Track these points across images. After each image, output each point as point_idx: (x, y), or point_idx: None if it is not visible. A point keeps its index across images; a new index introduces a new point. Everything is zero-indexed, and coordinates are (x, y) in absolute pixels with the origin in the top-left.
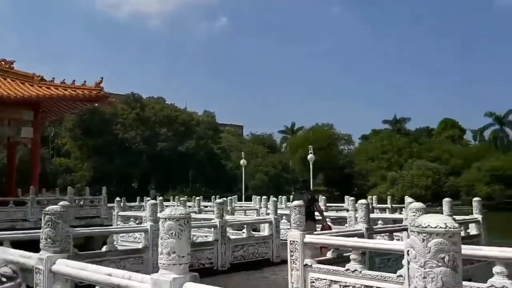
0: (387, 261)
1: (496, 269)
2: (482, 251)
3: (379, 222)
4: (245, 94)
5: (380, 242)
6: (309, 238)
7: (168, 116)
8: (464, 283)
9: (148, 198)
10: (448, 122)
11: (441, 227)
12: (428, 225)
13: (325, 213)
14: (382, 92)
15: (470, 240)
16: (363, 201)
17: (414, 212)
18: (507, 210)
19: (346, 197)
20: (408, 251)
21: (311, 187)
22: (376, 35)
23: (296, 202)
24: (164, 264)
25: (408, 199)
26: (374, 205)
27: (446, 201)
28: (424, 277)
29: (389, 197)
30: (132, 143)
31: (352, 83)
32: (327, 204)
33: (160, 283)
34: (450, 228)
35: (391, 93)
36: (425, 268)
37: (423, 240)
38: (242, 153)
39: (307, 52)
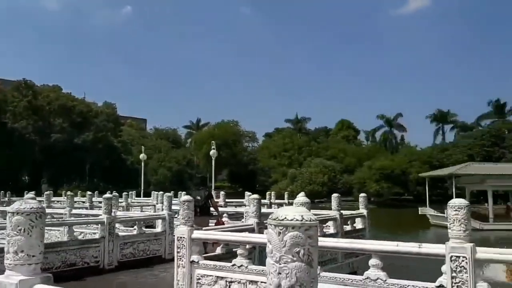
0: None
1: (372, 261)
2: (359, 245)
3: None
4: (150, 87)
5: (265, 237)
6: (196, 234)
7: (63, 106)
8: (348, 276)
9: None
10: (344, 123)
11: (297, 220)
12: (285, 218)
13: (223, 209)
14: (287, 91)
15: (356, 233)
16: (254, 196)
17: (298, 206)
18: (394, 206)
19: (246, 193)
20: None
21: (213, 183)
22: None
23: (184, 197)
24: (10, 264)
25: (300, 196)
26: (272, 200)
27: (334, 196)
28: (279, 273)
29: (286, 192)
30: (23, 134)
31: (258, 81)
32: (227, 200)
33: (4, 285)
34: (306, 221)
35: (296, 92)
36: (280, 264)
37: (279, 233)
38: (142, 146)
39: (215, 47)
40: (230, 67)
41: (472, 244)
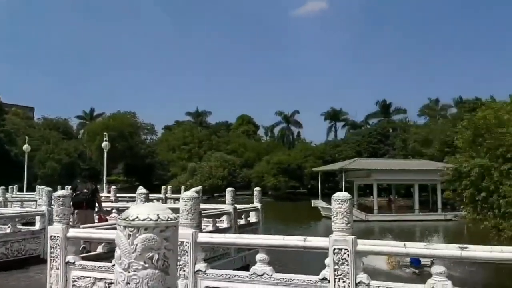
0: None
1: (259, 256)
2: (247, 240)
3: None
4: (39, 73)
5: None
6: (73, 232)
7: None
8: (234, 272)
9: None
10: (244, 118)
11: (151, 220)
12: (137, 217)
13: (113, 204)
14: (189, 84)
15: (250, 227)
16: (142, 190)
17: (185, 201)
18: (290, 199)
19: (139, 187)
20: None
21: (105, 176)
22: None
23: (60, 192)
24: None
25: (192, 190)
26: (168, 195)
27: (229, 190)
28: (127, 283)
29: (183, 187)
30: None
31: (159, 72)
32: (119, 195)
33: None
34: (162, 220)
35: (197, 86)
36: (129, 272)
37: (129, 236)
38: (26, 137)
39: (114, 33)
40: (128, 55)
41: (354, 236)
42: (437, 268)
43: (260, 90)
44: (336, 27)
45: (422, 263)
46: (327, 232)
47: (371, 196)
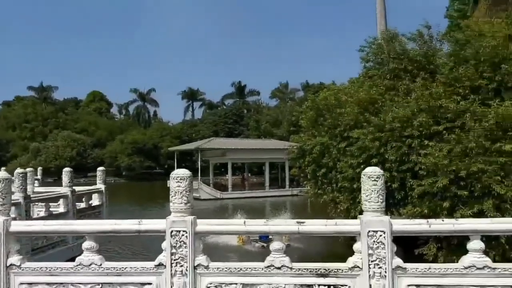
0: None
1: (86, 244)
2: (71, 226)
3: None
4: None
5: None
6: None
7: None
8: (55, 264)
9: None
10: (96, 94)
11: None
12: None
13: None
14: (30, 56)
15: (91, 211)
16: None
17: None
18: (146, 179)
19: None
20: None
21: None
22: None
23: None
24: None
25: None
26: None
27: (65, 171)
28: None
29: (39, 168)
30: None
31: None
32: None
33: None
34: None
35: (41, 58)
36: None
37: None
38: None
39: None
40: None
41: (193, 217)
42: (275, 245)
43: (113, 66)
44: (194, 8)
45: (270, 237)
46: None
47: (226, 175)
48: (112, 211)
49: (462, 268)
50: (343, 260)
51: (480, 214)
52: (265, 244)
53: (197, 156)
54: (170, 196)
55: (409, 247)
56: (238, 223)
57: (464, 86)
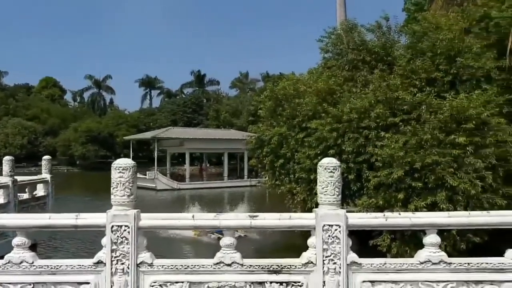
0: None
1: (16, 240)
2: None
3: None
4: None
5: None
6: None
7: None
8: None
9: None
10: (49, 80)
11: None
12: None
13: None
14: None
15: (35, 202)
16: None
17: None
18: (101, 169)
19: None
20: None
21: None
22: None
23: None
24: None
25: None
26: None
27: (6, 160)
28: None
29: None
30: None
31: None
32: None
33: None
34: None
35: None
36: None
37: None
38: None
39: None
40: None
41: (136, 210)
42: (226, 240)
43: (67, 51)
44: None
45: None
46: (139, 202)
47: (184, 165)
48: (61, 203)
49: (418, 263)
50: (300, 252)
51: (434, 205)
52: (221, 236)
53: (154, 146)
54: (112, 187)
55: (363, 238)
56: (186, 217)
57: (420, 78)
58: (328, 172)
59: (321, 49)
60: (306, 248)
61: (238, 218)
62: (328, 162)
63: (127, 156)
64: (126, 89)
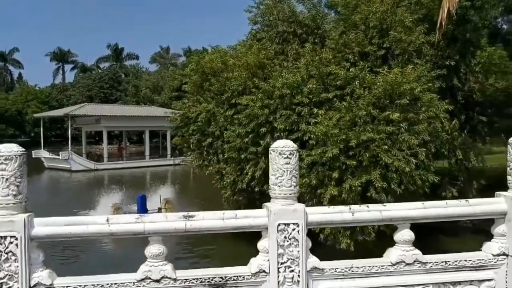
0: None
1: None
2: None
3: None
4: None
5: None
6: None
7: None
8: None
9: None
10: None
11: None
12: None
13: None
14: None
15: None
16: None
17: None
18: None
19: None
20: None
21: None
22: None
23: None
24: None
25: None
26: None
27: None
28: None
29: None
30: None
31: None
32: None
33: None
34: None
35: None
36: None
37: None
38: None
39: None
40: None
41: (27, 214)
42: (152, 249)
43: None
44: None
45: (149, 211)
46: (51, 186)
47: (102, 144)
48: None
49: (389, 265)
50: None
51: (368, 183)
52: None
53: (68, 124)
54: None
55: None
56: (97, 222)
57: (353, 52)
58: (283, 158)
59: (249, 20)
60: None
61: (168, 219)
62: (284, 146)
63: (38, 135)
64: (36, 63)
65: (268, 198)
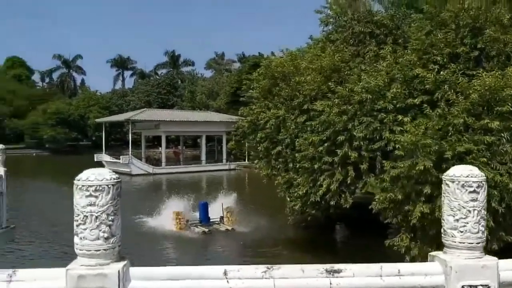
0: None
1: None
2: None
3: None
4: None
5: None
6: None
7: None
8: None
9: None
10: (15, 60)
11: None
12: None
13: None
14: None
15: None
16: None
17: None
18: (72, 152)
19: None
20: None
21: None
22: None
23: None
24: None
25: None
26: None
27: None
28: None
29: None
30: None
31: None
32: None
33: None
34: None
35: None
36: None
37: None
38: None
39: None
40: None
41: (123, 264)
42: None
43: (37, 31)
44: None
45: (211, 220)
46: None
47: (160, 148)
48: (21, 191)
49: None
50: (294, 248)
51: None
52: (206, 229)
53: (128, 128)
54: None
55: (376, 234)
56: (212, 275)
57: (442, 54)
58: (468, 192)
59: (321, 21)
60: (300, 242)
61: (305, 274)
62: (469, 175)
63: (100, 139)
64: (98, 69)
65: (345, 217)
